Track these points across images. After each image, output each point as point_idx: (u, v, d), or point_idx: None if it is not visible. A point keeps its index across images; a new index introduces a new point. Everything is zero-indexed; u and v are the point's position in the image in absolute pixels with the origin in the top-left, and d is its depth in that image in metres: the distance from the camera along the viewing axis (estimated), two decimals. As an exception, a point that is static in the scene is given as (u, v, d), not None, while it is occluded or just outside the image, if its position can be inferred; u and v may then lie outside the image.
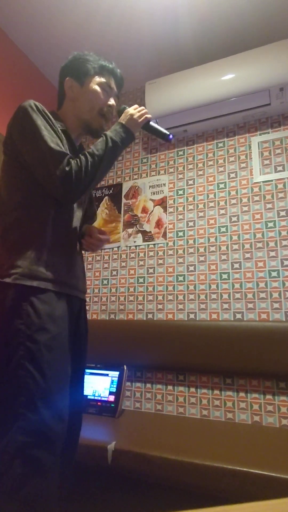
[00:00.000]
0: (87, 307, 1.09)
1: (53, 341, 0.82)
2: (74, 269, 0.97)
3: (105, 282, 2.05)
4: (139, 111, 1.01)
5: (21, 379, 0.77)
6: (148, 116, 1.03)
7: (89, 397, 1.63)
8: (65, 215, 0.96)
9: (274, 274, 1.67)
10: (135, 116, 1.00)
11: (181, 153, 2.09)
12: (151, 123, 1.05)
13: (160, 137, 1.07)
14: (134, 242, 2.05)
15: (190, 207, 1.96)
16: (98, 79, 1.03)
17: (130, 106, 1.05)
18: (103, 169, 0.92)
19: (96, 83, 1.02)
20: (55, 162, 0.84)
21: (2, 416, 0.76)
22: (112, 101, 1.05)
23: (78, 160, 0.88)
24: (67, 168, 0.84)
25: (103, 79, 1.03)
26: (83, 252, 1.11)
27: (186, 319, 1.79)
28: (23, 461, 0.73)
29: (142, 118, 1.01)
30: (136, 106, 1.03)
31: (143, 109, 1.02)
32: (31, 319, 0.80)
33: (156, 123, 2.00)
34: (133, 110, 1.01)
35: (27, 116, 0.88)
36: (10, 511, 0.70)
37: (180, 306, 1.82)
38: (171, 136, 1.05)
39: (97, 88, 1.02)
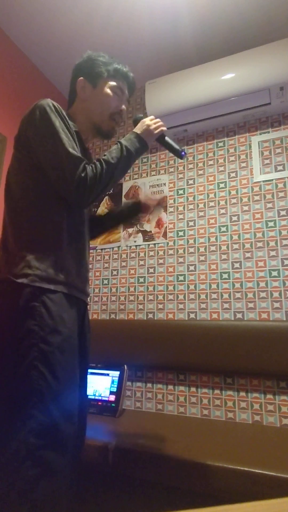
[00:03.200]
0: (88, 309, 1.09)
1: (65, 343, 0.83)
2: (82, 273, 0.97)
3: (105, 282, 2.05)
4: (155, 123, 1.02)
5: (34, 380, 0.76)
6: (164, 128, 1.03)
7: (89, 396, 1.63)
8: (77, 218, 0.96)
9: (274, 273, 1.67)
10: (151, 128, 1.00)
11: (181, 152, 2.08)
12: (166, 137, 1.05)
13: (172, 152, 1.06)
14: (135, 241, 2.05)
15: (191, 206, 1.96)
16: (111, 82, 1.03)
17: (130, 106, 1.05)
18: (116, 177, 0.92)
19: (109, 86, 1.02)
20: (72, 167, 0.84)
21: (13, 417, 0.76)
22: (123, 106, 1.05)
23: (93, 166, 0.87)
24: (82, 174, 0.84)
25: (115, 83, 1.03)
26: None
27: (186, 318, 1.79)
28: (34, 462, 0.73)
29: (158, 130, 1.01)
30: (152, 117, 1.03)
31: (159, 121, 1.02)
32: (45, 321, 0.80)
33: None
34: (149, 121, 1.01)
35: (46, 116, 0.88)
36: None
37: (181, 306, 1.82)
38: (183, 153, 1.04)
39: (110, 92, 1.02)
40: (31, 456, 0.73)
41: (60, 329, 0.82)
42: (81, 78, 1.03)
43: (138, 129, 1.00)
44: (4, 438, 0.75)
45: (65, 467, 0.78)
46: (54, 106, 0.90)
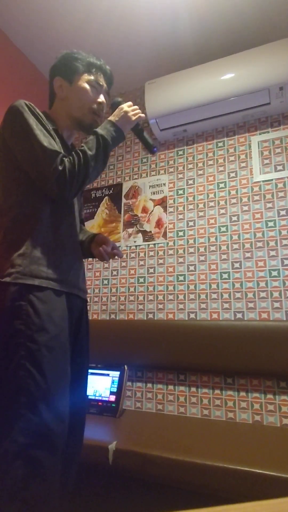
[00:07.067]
0: (87, 307, 1.09)
1: (53, 341, 0.82)
2: (74, 267, 0.96)
3: (105, 282, 2.05)
4: (133, 110, 1.01)
5: (22, 380, 0.77)
6: (142, 115, 1.02)
7: (90, 397, 1.63)
8: (64, 213, 0.96)
9: (274, 273, 1.67)
10: (128, 114, 0.99)
11: (181, 152, 2.09)
12: (144, 133, 1.06)
13: (145, 145, 1.07)
14: (134, 242, 2.05)
15: (190, 206, 1.96)
16: (86, 76, 1.02)
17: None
18: (96, 167, 0.92)
19: (84, 80, 1.02)
20: (49, 161, 0.84)
21: (2, 417, 0.76)
22: (101, 98, 1.04)
23: (71, 158, 0.87)
24: (60, 167, 0.84)
25: (91, 77, 1.03)
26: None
27: (186, 318, 1.79)
28: (24, 462, 0.73)
29: (136, 118, 1.00)
30: (130, 103, 1.02)
31: (137, 108, 1.02)
32: (31, 319, 0.80)
33: (156, 123, 2.01)
34: (127, 107, 1.00)
35: (19, 116, 0.88)
36: None
37: (181, 306, 1.82)
38: (155, 149, 1.06)
39: (86, 85, 1.02)
40: (21, 455, 0.73)
41: (47, 327, 0.82)
42: (57, 77, 1.04)
43: (115, 116, 0.99)
44: None
45: (55, 466, 0.78)
46: (27, 105, 0.90)
